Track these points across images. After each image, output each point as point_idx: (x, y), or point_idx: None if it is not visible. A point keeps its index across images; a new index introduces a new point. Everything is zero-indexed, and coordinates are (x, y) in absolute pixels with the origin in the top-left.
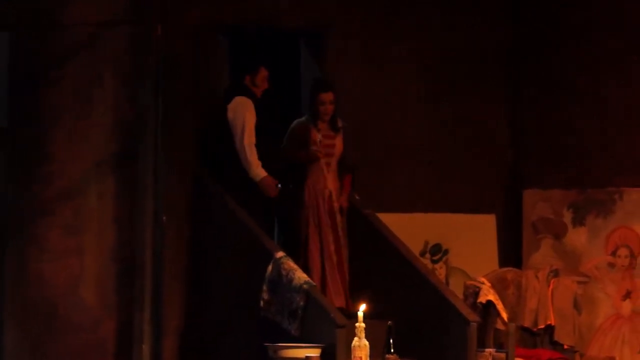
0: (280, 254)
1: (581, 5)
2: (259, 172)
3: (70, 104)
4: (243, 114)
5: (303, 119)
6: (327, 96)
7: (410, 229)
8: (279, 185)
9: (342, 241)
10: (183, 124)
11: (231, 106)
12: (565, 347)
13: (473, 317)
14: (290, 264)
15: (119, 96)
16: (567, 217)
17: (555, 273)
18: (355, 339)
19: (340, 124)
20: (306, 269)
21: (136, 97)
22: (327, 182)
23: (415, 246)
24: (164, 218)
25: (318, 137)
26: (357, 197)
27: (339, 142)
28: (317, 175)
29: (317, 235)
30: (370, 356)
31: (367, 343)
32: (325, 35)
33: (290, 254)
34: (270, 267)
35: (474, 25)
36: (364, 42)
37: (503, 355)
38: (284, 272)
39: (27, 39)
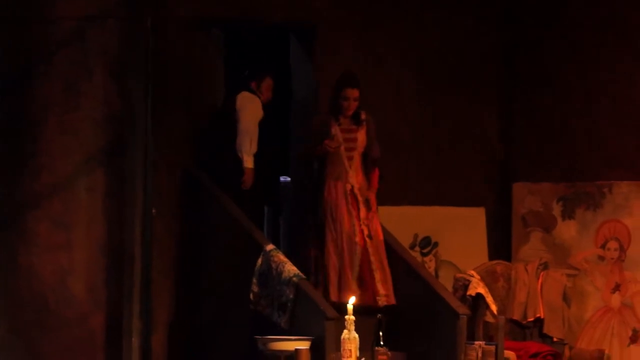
0: (270, 246)
1: (571, 5)
2: (251, 160)
3: (59, 98)
4: (252, 108)
5: (322, 113)
6: (353, 92)
7: (400, 222)
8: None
9: (366, 236)
10: (173, 118)
11: (240, 97)
12: (555, 339)
13: (462, 310)
14: (280, 256)
15: (109, 90)
16: (557, 210)
17: (545, 266)
18: (345, 331)
19: (363, 116)
20: (322, 263)
21: (126, 91)
22: (348, 177)
23: (404, 239)
24: (154, 212)
25: (336, 130)
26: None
27: (361, 135)
28: (339, 169)
29: (333, 231)
30: (360, 349)
31: (356, 336)
32: (315, 30)
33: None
34: (260, 260)
35: (466, 23)
36: (354, 37)
37: (492, 347)
38: (273, 265)
39: (16, 32)
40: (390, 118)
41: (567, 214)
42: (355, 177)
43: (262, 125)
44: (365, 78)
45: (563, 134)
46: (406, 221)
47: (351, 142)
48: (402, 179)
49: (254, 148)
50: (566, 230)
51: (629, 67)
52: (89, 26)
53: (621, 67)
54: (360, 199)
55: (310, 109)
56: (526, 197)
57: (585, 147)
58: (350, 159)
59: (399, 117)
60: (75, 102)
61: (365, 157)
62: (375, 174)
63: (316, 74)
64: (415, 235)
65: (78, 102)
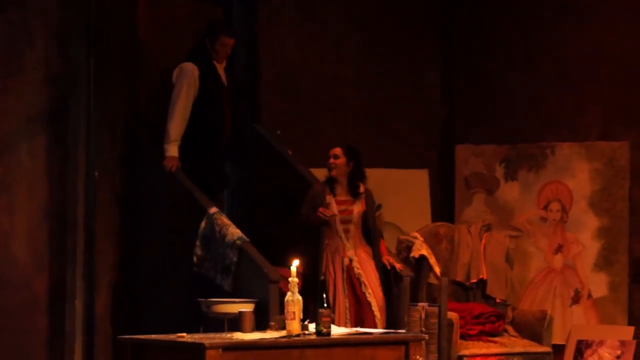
0: (213, 209)
1: None
2: (171, 149)
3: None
4: (182, 84)
5: (318, 183)
6: (332, 151)
7: None
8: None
9: (366, 307)
10: (115, 80)
11: (175, 72)
12: (498, 300)
13: (406, 272)
14: (224, 219)
15: (50, 52)
16: (499, 171)
17: (488, 227)
18: (289, 294)
19: (362, 189)
20: None
21: (67, 53)
22: (346, 251)
23: None
24: (96, 174)
25: (331, 201)
26: (290, 152)
27: (357, 208)
28: (335, 242)
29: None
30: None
31: (300, 298)
32: None
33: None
34: (203, 223)
35: None
36: None
37: (436, 309)
38: (217, 228)
39: None
40: (331, 79)
41: (510, 176)
42: (353, 250)
43: (205, 95)
44: (306, 38)
45: (505, 95)
46: None
47: (346, 214)
48: (344, 141)
49: (173, 137)
50: (509, 191)
51: (569, 27)
52: None
53: (561, 27)
54: (354, 278)
55: (253, 71)
56: (469, 159)
57: (527, 109)
58: (346, 231)
59: (340, 79)
60: (16, 64)
61: (367, 230)
62: (384, 246)
63: (259, 35)
64: None
65: (19, 64)
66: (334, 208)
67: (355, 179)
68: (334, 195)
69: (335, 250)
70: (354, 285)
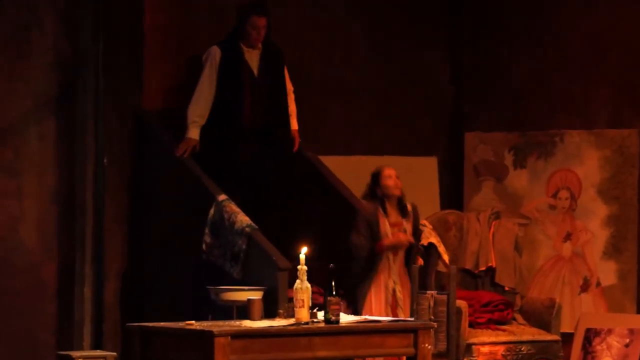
0: (222, 197)
1: None
2: (190, 131)
3: (8, 45)
4: (205, 67)
5: (367, 202)
6: (390, 171)
7: (351, 171)
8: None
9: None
10: (124, 65)
11: (206, 53)
12: (506, 288)
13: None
14: (233, 207)
15: (59, 36)
16: (508, 159)
17: (497, 215)
18: (297, 281)
19: (410, 208)
20: None
21: (76, 38)
22: (391, 274)
23: (356, 189)
24: (105, 160)
25: (387, 226)
26: (299, 140)
27: (408, 229)
28: (381, 265)
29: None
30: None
31: (309, 286)
32: None
33: None
34: (212, 210)
35: None
36: None
37: (444, 297)
38: (226, 215)
39: None
40: (339, 65)
41: (519, 163)
42: (397, 275)
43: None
44: (313, 23)
45: (514, 83)
46: (358, 171)
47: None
48: (352, 128)
49: (190, 117)
50: (518, 179)
51: (577, 12)
52: None
53: (569, 12)
54: (400, 303)
55: None
56: (478, 147)
57: (536, 97)
58: (395, 254)
59: (348, 65)
60: (24, 49)
61: (409, 251)
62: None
63: None
64: (368, 185)
65: (27, 49)
66: (388, 231)
67: (402, 197)
68: (386, 215)
69: (381, 271)
70: (392, 308)
